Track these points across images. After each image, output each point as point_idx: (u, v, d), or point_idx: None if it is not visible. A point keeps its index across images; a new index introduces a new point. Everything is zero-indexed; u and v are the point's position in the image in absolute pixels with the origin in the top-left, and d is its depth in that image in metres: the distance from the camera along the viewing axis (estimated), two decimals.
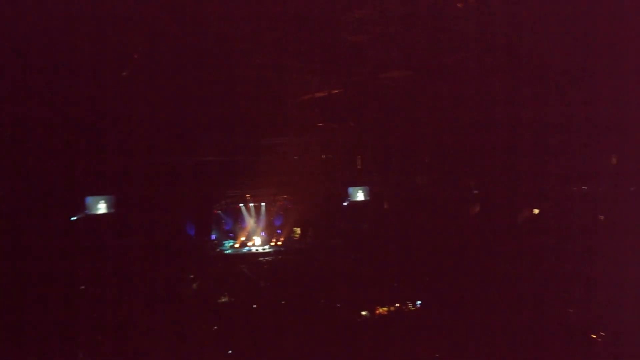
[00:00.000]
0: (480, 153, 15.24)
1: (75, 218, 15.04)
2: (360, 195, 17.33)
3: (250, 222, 18.59)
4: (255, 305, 15.47)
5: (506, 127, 14.70)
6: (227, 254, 18.12)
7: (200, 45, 13.54)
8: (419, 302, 15.75)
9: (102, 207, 15.47)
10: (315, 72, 14.57)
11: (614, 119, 14.28)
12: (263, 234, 18.66)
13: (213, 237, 18.18)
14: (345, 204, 17.42)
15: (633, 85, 13.74)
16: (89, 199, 15.37)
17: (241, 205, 18.52)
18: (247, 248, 18.46)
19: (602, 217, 14.85)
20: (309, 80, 14.96)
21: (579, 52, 13.72)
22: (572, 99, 14.44)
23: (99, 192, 15.35)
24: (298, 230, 18.54)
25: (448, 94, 14.65)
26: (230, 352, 13.78)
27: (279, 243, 18.50)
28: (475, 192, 16.45)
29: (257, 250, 18.38)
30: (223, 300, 15.77)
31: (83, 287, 14.28)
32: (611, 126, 14.40)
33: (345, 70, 14.44)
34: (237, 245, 18.44)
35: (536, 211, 15.89)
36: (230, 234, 18.63)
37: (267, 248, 18.37)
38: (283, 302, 15.48)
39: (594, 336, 14.32)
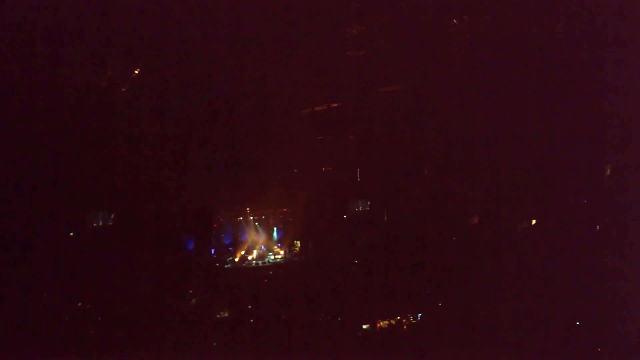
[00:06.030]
0: (479, 165, 15.89)
1: (73, 233, 15.59)
2: (360, 208, 17.86)
3: (250, 235, 18.92)
4: (255, 320, 15.99)
5: (505, 139, 15.42)
6: (226, 268, 18.49)
7: (201, 61, 14.34)
8: (419, 314, 16.28)
9: (101, 222, 16.02)
10: (316, 86, 15.27)
11: (611, 130, 15.05)
12: (263, 247, 19.02)
13: (212, 251, 18.54)
14: (345, 216, 17.95)
15: (632, 95, 14.52)
16: (88, 213, 15.94)
17: (241, 218, 18.86)
18: (247, 262, 18.79)
19: (597, 227, 15.49)
20: (309, 94, 15.67)
21: (576, 65, 14.52)
22: (570, 112, 15.21)
23: (97, 207, 15.91)
24: (298, 243, 18.90)
25: (447, 107, 15.37)
26: None
27: (279, 256, 18.86)
28: (474, 203, 16.99)
29: (257, 264, 18.73)
30: (222, 315, 16.29)
31: (80, 303, 14.90)
32: (609, 138, 15.16)
33: (345, 84, 15.16)
34: (236, 260, 18.78)
35: (533, 222, 16.50)
36: (230, 248, 18.93)
37: (267, 261, 18.71)
38: (283, 316, 16.02)
39: (599, 349, 14.91)
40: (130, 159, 15.25)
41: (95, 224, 15.94)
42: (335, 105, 15.94)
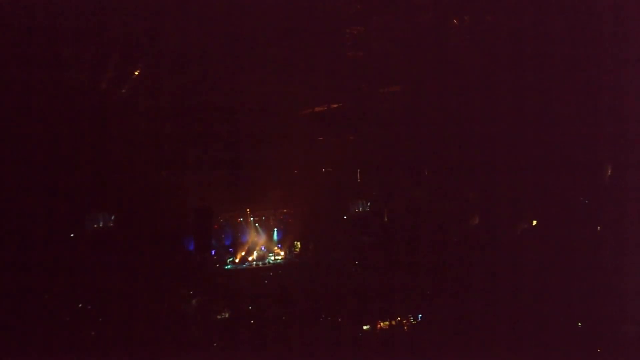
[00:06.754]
0: (479, 166, 15.99)
1: (73, 234, 15.67)
2: (360, 209, 17.97)
3: (250, 236, 19.01)
4: (255, 321, 16.07)
5: (504, 139, 15.51)
6: (227, 269, 18.58)
7: (202, 61, 14.45)
8: (420, 315, 16.36)
9: (101, 223, 16.10)
10: (316, 86, 15.37)
11: (612, 129, 15.12)
12: (263, 248, 19.11)
13: (213, 252, 18.63)
14: (345, 217, 18.05)
15: (633, 94, 14.60)
16: (88, 215, 16.02)
17: (241, 219, 18.96)
18: (247, 263, 18.88)
19: (598, 228, 15.58)
20: (309, 95, 15.76)
21: (575, 64, 14.61)
22: (570, 111, 15.29)
23: (97, 208, 15.99)
24: (299, 244, 18.99)
25: (447, 107, 15.47)
26: None
27: (280, 257, 18.95)
28: (474, 204, 17.09)
29: (257, 264, 18.83)
30: (223, 316, 16.36)
31: (80, 305, 14.99)
32: (609, 138, 15.23)
33: (345, 85, 15.26)
34: (237, 260, 18.88)
35: (534, 222, 16.59)
36: (230, 249, 19.03)
37: (267, 262, 18.80)
38: (284, 317, 16.10)
39: (599, 350, 14.98)
40: (130, 160, 15.33)
41: (95, 225, 16.04)
42: (335, 105, 16.04)
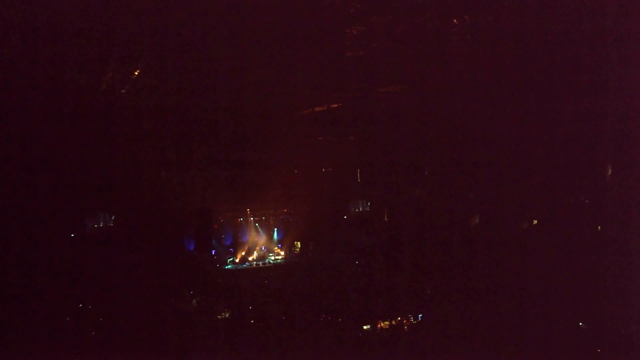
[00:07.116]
0: (479, 165, 16.00)
1: (73, 234, 15.75)
2: (360, 209, 18.05)
3: (250, 236, 19.15)
4: (255, 320, 16.12)
5: (505, 139, 15.51)
6: (227, 269, 18.69)
7: (202, 62, 14.45)
8: (420, 315, 16.40)
9: (101, 223, 16.20)
10: (316, 86, 15.37)
11: (613, 129, 15.09)
12: (263, 248, 19.23)
13: (213, 252, 18.75)
14: (345, 217, 18.12)
15: (634, 93, 14.56)
16: (89, 215, 16.11)
17: (241, 219, 19.10)
18: (247, 263, 19.00)
19: (599, 227, 15.58)
20: (309, 95, 15.77)
21: (576, 64, 14.57)
22: (571, 111, 15.27)
23: (98, 208, 16.07)
24: (299, 244, 19.09)
25: (447, 107, 15.47)
26: None
27: (280, 257, 19.05)
28: (475, 204, 17.12)
29: (257, 264, 18.94)
30: (223, 316, 16.42)
31: (81, 304, 15.04)
32: (610, 137, 15.20)
33: (345, 84, 15.26)
34: (237, 260, 19.00)
35: (534, 222, 16.60)
36: (231, 249, 19.17)
37: (267, 262, 18.92)
38: (284, 317, 16.14)
39: (600, 350, 14.97)
40: (131, 160, 15.36)
41: (95, 225, 16.11)
42: (335, 105, 16.04)
